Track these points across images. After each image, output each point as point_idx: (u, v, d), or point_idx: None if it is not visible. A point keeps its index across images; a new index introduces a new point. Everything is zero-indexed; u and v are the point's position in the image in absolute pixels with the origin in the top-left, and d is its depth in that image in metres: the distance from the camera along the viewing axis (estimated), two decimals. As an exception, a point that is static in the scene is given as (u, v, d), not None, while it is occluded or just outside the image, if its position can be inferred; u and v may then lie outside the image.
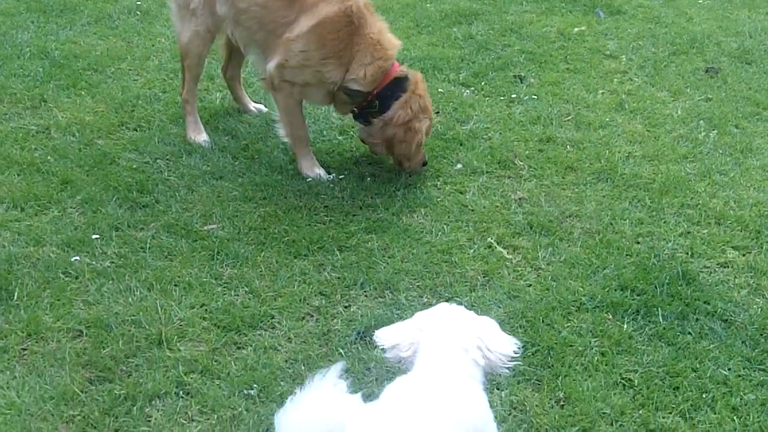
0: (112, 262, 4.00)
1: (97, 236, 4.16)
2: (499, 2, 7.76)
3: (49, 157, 4.84)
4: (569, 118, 5.64)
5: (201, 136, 5.12)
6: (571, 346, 3.61)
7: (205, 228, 4.30)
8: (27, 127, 5.18)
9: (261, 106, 5.58)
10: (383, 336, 2.80)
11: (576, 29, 7.16)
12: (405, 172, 4.89)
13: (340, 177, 4.82)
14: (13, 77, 5.80)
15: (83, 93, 5.65)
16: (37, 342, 3.51)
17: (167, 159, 4.92)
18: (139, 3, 7.28)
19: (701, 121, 5.63)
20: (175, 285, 3.87)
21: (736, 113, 5.80)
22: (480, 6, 7.63)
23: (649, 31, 7.26)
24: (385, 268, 4.06)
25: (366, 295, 3.89)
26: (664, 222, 4.54)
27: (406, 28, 7.06)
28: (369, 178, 4.83)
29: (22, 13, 7.01)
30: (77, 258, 3.99)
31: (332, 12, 4.58)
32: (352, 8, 4.61)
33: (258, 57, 4.97)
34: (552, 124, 5.54)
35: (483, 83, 6.08)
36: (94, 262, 3.98)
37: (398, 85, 4.74)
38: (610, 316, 3.82)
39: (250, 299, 3.81)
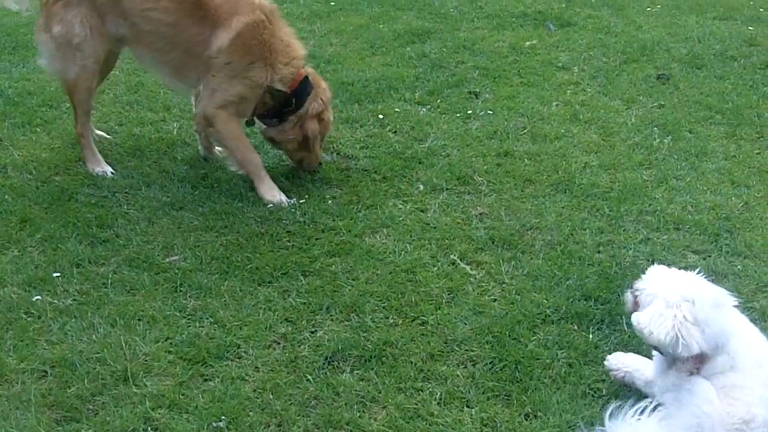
0: (75, 300, 3.96)
1: (58, 274, 4.12)
2: (451, 20, 7.84)
3: (6, 196, 4.79)
4: (525, 131, 5.69)
5: (101, 166, 5.11)
6: (538, 359, 3.63)
7: (167, 260, 4.28)
8: (-18, 167, 5.14)
9: (102, 133, 5.54)
10: (646, 322, 3.08)
11: (528, 43, 7.24)
12: (303, 171, 5.14)
13: (301, 201, 4.82)
14: (-34, 117, 5.76)
15: (39, 130, 5.61)
16: (1, 384, 3.46)
17: (126, 192, 4.89)
18: (91, 36, 7.24)
19: (655, 128, 5.71)
20: (139, 319, 3.83)
21: (689, 118, 5.89)
22: (432, 25, 7.70)
23: (600, 41, 7.37)
24: (350, 291, 4.06)
25: (332, 319, 3.89)
26: (624, 230, 4.60)
27: (360, 50, 7.10)
28: (330, 201, 4.84)
29: (-27, 52, 6.97)
30: (39, 297, 3.94)
31: (248, 21, 4.75)
32: (265, 13, 4.80)
33: (172, 78, 5.06)
34: (509, 138, 5.59)
35: (439, 101, 6.13)
36: (56, 301, 3.94)
37: (307, 82, 4.96)
38: (576, 327, 3.85)
39: (215, 330, 3.79)
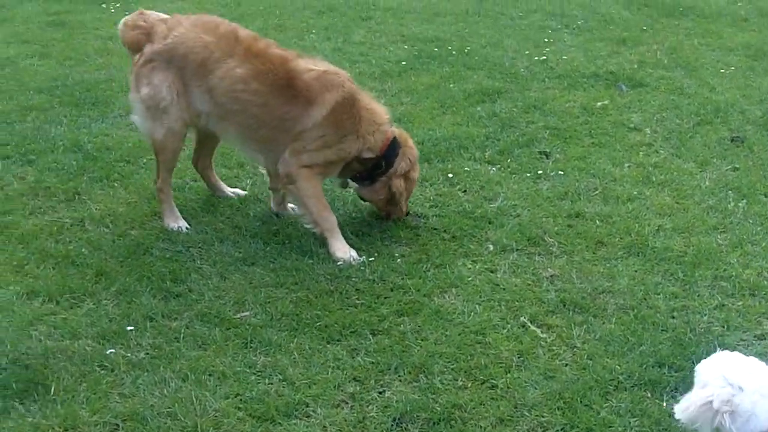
0: (147, 353, 4.02)
1: (132, 328, 4.19)
2: (522, 80, 7.86)
3: (83, 250, 4.90)
4: (597, 192, 5.65)
5: (178, 222, 5.21)
6: (610, 426, 3.56)
7: (238, 316, 4.33)
8: (62, 220, 5.26)
9: (239, 190, 5.70)
10: (683, 411, 3.05)
11: (599, 103, 7.22)
12: (390, 219, 5.29)
13: (371, 259, 4.84)
14: (47, 171, 5.92)
15: (116, 185, 5.75)
16: (74, 437, 3.52)
17: (199, 247, 4.97)
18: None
19: (730, 191, 5.62)
20: (210, 375, 3.87)
21: (765, 181, 5.79)
22: (503, 84, 7.73)
23: (673, 102, 7.31)
24: (418, 351, 4.05)
25: (400, 380, 3.87)
26: (698, 295, 4.51)
27: (430, 109, 7.16)
28: (399, 259, 4.85)
29: (54, 107, 7.20)
30: (112, 350, 4.01)
31: (339, 98, 4.93)
32: (351, 87, 5.01)
33: (259, 153, 5.21)
34: (580, 198, 5.56)
35: (509, 160, 6.13)
36: (129, 354, 4.00)
37: (396, 143, 5.13)
38: (649, 395, 3.77)
39: (284, 387, 3.81)
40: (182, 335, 4.15)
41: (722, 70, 8.24)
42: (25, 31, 9.79)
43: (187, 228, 5.17)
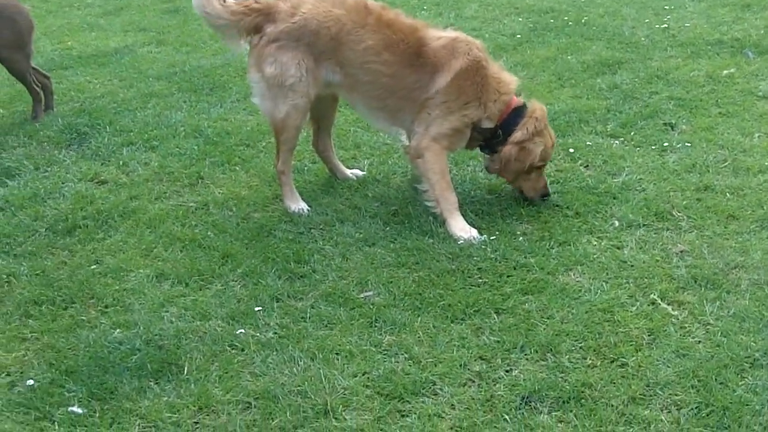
0: (275, 333, 4.08)
1: (260, 308, 4.25)
2: (643, 50, 7.64)
3: (209, 233, 5.01)
4: (726, 164, 5.45)
5: (299, 204, 5.25)
6: (747, 405, 3.43)
7: (362, 296, 4.35)
8: (186, 204, 5.39)
9: (357, 171, 5.71)
10: None
11: (725, 72, 6.96)
12: (525, 198, 5.17)
13: (492, 238, 4.78)
14: (170, 156, 6.07)
15: (237, 168, 5.85)
16: (208, 415, 3.59)
17: (321, 228, 5.01)
18: (285, 77, 7.52)
19: None
20: (337, 354, 3.90)
21: None
22: (623, 54, 7.53)
23: (804, 68, 6.98)
24: (544, 330, 3.98)
25: (527, 359, 3.82)
26: (840, 269, 4.30)
27: (548, 82, 7.03)
28: (521, 237, 4.78)
29: (174, 93, 7.38)
30: (242, 330, 4.09)
31: (464, 64, 4.96)
32: (478, 54, 5.00)
33: (385, 122, 5.25)
34: (708, 171, 5.36)
35: (632, 133, 5.96)
36: (258, 334, 4.07)
37: (518, 113, 5.09)
38: (788, 372, 3.62)
39: (410, 366, 3.81)
40: (308, 315, 4.19)
41: None
42: (141, 19, 10.07)
43: (307, 210, 5.21)
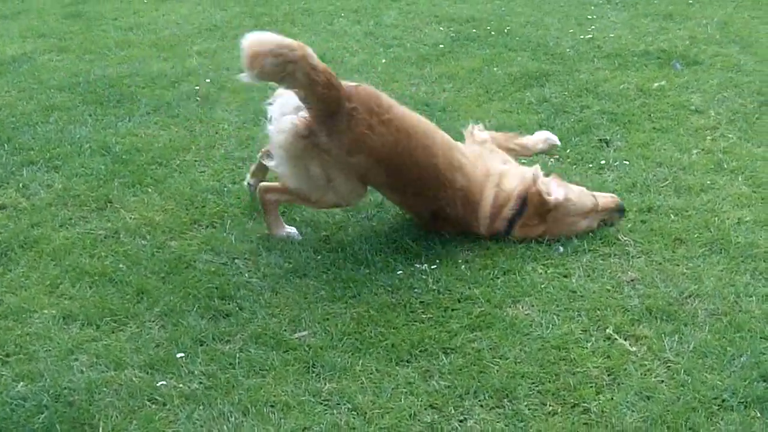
0: (201, 383, 3.66)
1: (182, 354, 3.83)
2: (569, 61, 7.44)
3: (121, 265, 4.55)
4: (667, 183, 5.25)
5: (285, 230, 4.86)
6: (724, 456, 3.19)
7: (296, 336, 3.97)
8: (95, 232, 4.91)
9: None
10: None
11: (655, 84, 6.79)
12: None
13: (432, 267, 4.46)
14: (75, 177, 5.56)
15: (150, 190, 5.39)
16: (127, 485, 3.17)
17: (246, 258, 4.61)
18: (197, 88, 7.08)
19: (810, 178, 5.21)
20: (272, 407, 3.51)
21: None
22: (550, 66, 7.31)
23: (731, 80, 6.88)
24: (498, 371, 3.67)
25: (482, 405, 3.50)
26: (795, 297, 4.12)
27: (475, 96, 6.76)
28: (463, 266, 4.47)
29: (78, 106, 6.82)
30: (163, 382, 3.65)
31: None
32: None
33: None
34: (650, 191, 5.15)
35: (567, 150, 5.72)
36: (181, 385, 3.65)
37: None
38: (758, 414, 3.39)
39: (354, 418, 3.45)
40: (237, 361, 3.79)
41: (779, 44, 7.78)
42: (41, 24, 9.39)
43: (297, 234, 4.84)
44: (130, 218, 5.06)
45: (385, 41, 8.24)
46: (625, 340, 3.87)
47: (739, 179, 5.27)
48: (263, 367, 3.75)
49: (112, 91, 7.13)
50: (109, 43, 8.55)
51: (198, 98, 6.89)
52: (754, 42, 7.85)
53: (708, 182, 5.23)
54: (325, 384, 3.64)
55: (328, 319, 4.07)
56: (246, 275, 4.45)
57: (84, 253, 4.68)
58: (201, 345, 3.92)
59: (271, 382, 3.65)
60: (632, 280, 4.29)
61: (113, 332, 4.03)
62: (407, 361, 3.78)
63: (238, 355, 3.82)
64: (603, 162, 5.53)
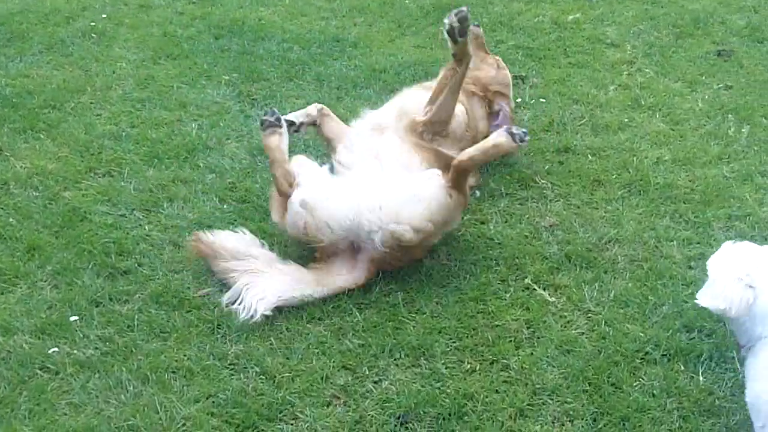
0: (97, 349, 3.41)
1: (76, 317, 3.57)
2: (483, -8, 7.19)
3: (11, 219, 4.23)
4: (584, 121, 5.11)
5: None
6: (646, 411, 3.11)
7: (200, 293, 3.74)
8: (-19, 182, 4.56)
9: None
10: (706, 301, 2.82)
11: (570, 17, 6.62)
12: None
13: (345, 215, 4.24)
14: (-41, 123, 5.16)
15: (42, 136, 5.02)
16: (17, 465, 2.93)
17: (145, 209, 4.33)
18: (93, 24, 6.62)
19: (728, 114, 5.13)
20: (174, 373, 3.29)
21: (762, 101, 5.30)
22: (463, -1, 7.04)
23: (647, 12, 6.74)
24: (414, 328, 3.51)
25: (397, 365, 3.34)
26: (714, 239, 4.03)
27: (388, 30, 6.49)
28: (376, 213, 4.26)
29: (-37, 43, 6.35)
30: (56, 349, 3.40)
31: None
32: None
33: None
34: (567, 130, 5.01)
35: (483, 88, 5.52)
36: (75, 351, 3.39)
37: None
38: (682, 367, 3.32)
39: (263, 383, 3.25)
40: (136, 323, 3.55)
41: (693, -25, 7.66)
42: None
43: None
44: (21, 167, 4.71)
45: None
46: (544, 290, 3.74)
47: (657, 116, 5.17)
48: (164, 330, 3.52)
49: (2, 29, 6.63)
50: (-2, -26, 7.96)
51: (94, 35, 6.45)
52: (668, -28, 7.71)
53: (625, 120, 5.11)
54: (231, 346, 3.43)
55: (234, 274, 3.84)
56: (146, 228, 4.18)
57: (-31, 207, 4.34)
58: (97, 306, 3.66)
59: (173, 346, 3.43)
60: (551, 226, 4.16)
61: (2, 293, 3.74)
62: (319, 319, 3.59)
63: (137, 317, 3.58)
64: (519, 100, 5.35)
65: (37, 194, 4.46)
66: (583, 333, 3.50)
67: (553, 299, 3.69)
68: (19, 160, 4.77)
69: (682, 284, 3.74)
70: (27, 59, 6.08)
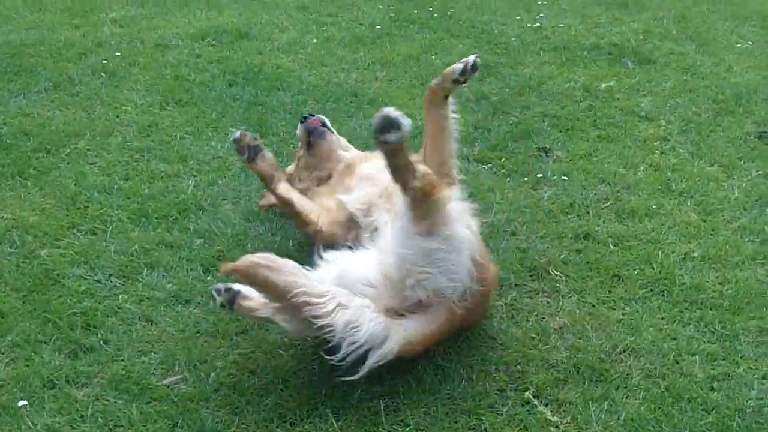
0: (41, 443, 3.08)
1: (26, 402, 3.23)
2: (513, 53, 6.88)
3: (-23, 278, 3.93)
4: (608, 204, 4.73)
5: None
6: None
7: (165, 382, 3.39)
8: (-44, 233, 4.27)
9: None
10: None
11: (604, 84, 6.26)
12: None
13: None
14: (-55, 162, 4.90)
15: (29, 183, 4.75)
16: None
17: (123, 276, 4.00)
18: (105, 62, 6.40)
19: (767, 208, 4.71)
20: (120, 481, 2.95)
21: (805, 193, 4.90)
22: (491, 57, 6.74)
23: (686, 84, 6.37)
24: (395, 445, 3.14)
25: (373, 487, 2.97)
26: (742, 357, 3.62)
27: (409, 87, 6.17)
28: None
29: (-32, 73, 6.13)
30: (-6, 440, 3.07)
31: None
32: None
33: None
34: (588, 213, 4.63)
35: (502, 158, 5.17)
36: (17, 444, 3.06)
37: None
38: None
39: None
40: (89, 412, 3.21)
41: (738, 44, 7.29)
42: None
43: None
44: (2, 218, 4.42)
45: (319, 18, 7.60)
46: (546, 405, 3.34)
47: (688, 204, 4.77)
48: (118, 424, 3.18)
49: (12, 61, 6.44)
50: (17, 4, 7.79)
51: (104, 74, 6.22)
52: (711, 40, 7.35)
53: (653, 206, 4.72)
54: (188, 451, 3.08)
55: (205, 361, 3.49)
56: (120, 298, 3.85)
57: (-64, 261, 4.04)
58: (51, 389, 3.32)
59: (125, 446, 3.08)
60: (560, 328, 3.77)
61: (-51, 368, 3.42)
62: (292, 423, 3.22)
63: (91, 405, 3.24)
64: (540, 175, 4.99)
65: (12, 251, 4.16)
66: (586, 463, 3.10)
67: (556, 418, 3.28)
68: (1, 210, 4.48)
69: (702, 409, 3.32)
70: (31, 96, 5.85)
